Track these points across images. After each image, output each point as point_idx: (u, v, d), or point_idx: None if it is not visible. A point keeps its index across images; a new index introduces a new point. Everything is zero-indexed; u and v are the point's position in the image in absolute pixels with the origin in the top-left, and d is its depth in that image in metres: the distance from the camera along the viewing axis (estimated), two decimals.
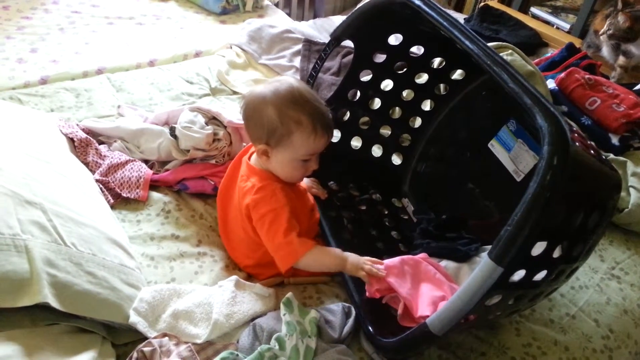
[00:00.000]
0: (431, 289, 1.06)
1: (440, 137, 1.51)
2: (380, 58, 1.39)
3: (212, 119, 1.46)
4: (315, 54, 2.00)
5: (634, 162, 1.56)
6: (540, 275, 0.87)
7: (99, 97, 1.68)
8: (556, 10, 2.70)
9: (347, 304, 1.11)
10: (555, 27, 2.59)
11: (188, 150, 1.40)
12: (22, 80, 1.76)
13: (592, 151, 0.88)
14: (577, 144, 0.81)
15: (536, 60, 2.03)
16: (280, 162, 1.11)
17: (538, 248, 0.81)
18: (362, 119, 1.48)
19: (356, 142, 1.50)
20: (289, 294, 1.06)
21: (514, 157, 1.30)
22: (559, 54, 2.01)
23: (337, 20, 2.39)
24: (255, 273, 1.21)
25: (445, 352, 1.08)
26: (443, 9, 1.13)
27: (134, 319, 1.00)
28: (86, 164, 1.37)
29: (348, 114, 1.46)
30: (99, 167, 1.37)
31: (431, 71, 1.45)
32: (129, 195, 1.32)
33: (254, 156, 1.16)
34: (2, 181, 1.01)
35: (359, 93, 1.44)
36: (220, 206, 1.25)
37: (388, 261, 1.09)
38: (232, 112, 1.48)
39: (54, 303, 0.91)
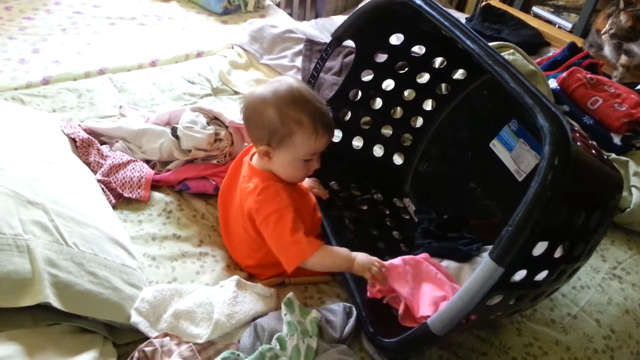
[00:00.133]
0: (432, 289, 1.06)
1: (441, 137, 1.51)
2: (382, 58, 1.39)
3: (214, 119, 1.47)
4: (317, 53, 2.00)
5: (636, 161, 1.56)
6: (542, 276, 0.87)
7: (100, 97, 1.69)
8: (558, 10, 2.69)
9: (348, 304, 1.11)
10: (557, 26, 2.59)
11: (190, 151, 1.40)
12: (24, 80, 1.76)
13: (593, 151, 0.88)
14: (578, 143, 0.81)
15: (538, 60, 2.02)
16: (282, 162, 1.11)
17: (539, 248, 0.81)
18: (364, 119, 1.48)
19: (357, 142, 1.50)
20: (290, 294, 1.06)
21: (516, 156, 1.30)
22: (561, 53, 2.01)
23: (339, 20, 2.39)
24: (256, 273, 1.21)
25: (446, 352, 1.08)
26: (444, 8, 1.12)
27: (136, 318, 1.00)
28: (88, 164, 1.38)
29: (349, 113, 1.46)
30: (101, 167, 1.38)
31: (432, 71, 1.45)
32: (130, 195, 1.33)
33: (256, 157, 1.16)
34: (4, 181, 1.01)
35: (360, 93, 1.44)
36: (221, 206, 1.25)
37: (390, 262, 1.09)
38: (233, 112, 1.48)
39: (55, 303, 0.91)
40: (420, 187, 1.52)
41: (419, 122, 1.52)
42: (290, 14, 2.86)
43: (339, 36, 1.33)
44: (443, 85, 1.49)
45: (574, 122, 1.25)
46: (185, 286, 1.12)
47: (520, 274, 0.84)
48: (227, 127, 1.45)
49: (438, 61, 1.48)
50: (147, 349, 0.96)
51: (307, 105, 1.07)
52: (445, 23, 1.06)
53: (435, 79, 1.46)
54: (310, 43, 2.07)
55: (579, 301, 1.23)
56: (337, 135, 1.45)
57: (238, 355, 0.98)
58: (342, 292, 1.19)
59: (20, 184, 1.04)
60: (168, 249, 1.23)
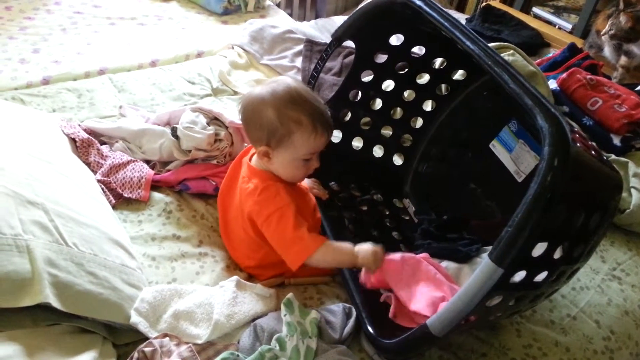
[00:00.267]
0: (431, 290, 1.06)
1: (441, 138, 1.51)
2: (382, 58, 1.39)
3: (214, 119, 1.47)
4: (317, 54, 2.00)
5: (636, 162, 1.56)
6: (541, 276, 0.87)
7: (100, 97, 1.69)
8: (558, 11, 2.69)
9: (347, 305, 1.11)
10: (557, 27, 2.59)
11: (189, 151, 1.40)
12: (25, 80, 1.76)
13: (593, 152, 0.88)
14: (578, 144, 0.81)
15: (538, 61, 2.02)
16: (281, 162, 1.11)
17: (539, 249, 0.81)
18: (364, 120, 1.48)
19: (357, 143, 1.50)
20: (290, 295, 1.06)
21: (515, 157, 1.30)
22: (561, 54, 2.01)
23: (339, 20, 2.39)
24: (256, 274, 1.21)
25: (446, 353, 1.08)
26: (444, 9, 1.13)
27: (135, 319, 1.00)
28: (88, 164, 1.38)
29: (349, 114, 1.46)
30: (101, 167, 1.38)
31: (432, 71, 1.45)
32: (130, 195, 1.33)
33: (255, 157, 1.17)
34: (3, 181, 1.01)
35: (360, 93, 1.44)
36: (221, 207, 1.25)
37: (389, 256, 1.10)
38: (233, 113, 1.48)
39: (55, 303, 0.91)
40: (420, 187, 1.52)
41: (419, 122, 1.52)
42: (291, 15, 2.86)
43: (339, 37, 1.33)
44: (443, 86, 1.49)
45: (573, 123, 1.25)
46: (184, 286, 1.12)
47: (520, 275, 0.84)
48: (227, 128, 1.45)
49: (438, 62, 1.48)
50: (147, 349, 0.96)
51: (305, 105, 1.07)
52: (445, 24, 1.06)
53: (435, 79, 1.46)
54: (310, 43, 2.07)
55: (579, 302, 1.23)
56: (337, 136, 1.45)
57: (237, 355, 0.98)
58: (342, 293, 1.19)
59: (20, 184, 1.04)
60: (168, 249, 1.23)
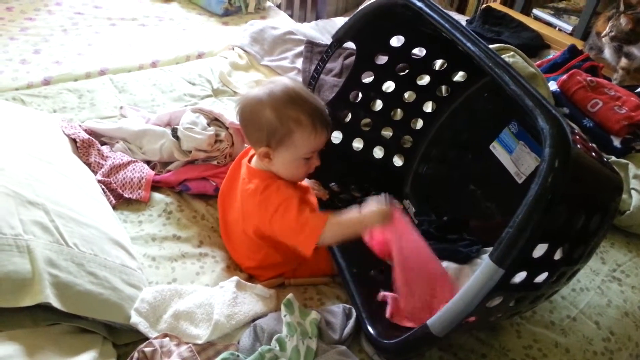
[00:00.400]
0: (431, 293, 1.06)
1: (441, 139, 1.51)
2: (382, 59, 1.39)
3: (214, 120, 1.47)
4: (317, 55, 2.00)
5: (636, 164, 1.56)
6: (542, 278, 0.87)
7: (101, 98, 1.69)
8: (558, 12, 2.70)
9: (347, 305, 1.11)
10: (557, 29, 2.59)
11: (190, 151, 1.40)
12: (25, 81, 1.76)
13: (593, 153, 0.88)
14: (578, 146, 0.82)
15: (538, 62, 2.02)
16: (282, 162, 1.11)
17: (539, 250, 0.81)
18: (364, 121, 1.48)
19: (357, 144, 1.50)
20: (290, 295, 1.06)
21: (516, 159, 1.30)
22: (561, 55, 2.01)
23: (339, 21, 2.39)
24: (256, 274, 1.21)
25: (446, 354, 1.08)
26: (444, 10, 1.13)
27: (135, 319, 1.00)
28: (88, 165, 1.38)
29: (349, 115, 1.46)
30: (101, 167, 1.38)
31: (433, 73, 1.45)
32: (130, 196, 1.33)
33: (254, 158, 1.17)
34: (4, 181, 1.02)
35: (360, 94, 1.44)
36: (221, 207, 1.25)
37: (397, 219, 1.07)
38: (234, 114, 1.48)
39: (55, 303, 0.91)
40: (420, 189, 1.52)
41: (419, 124, 1.52)
42: (291, 16, 2.87)
43: (339, 38, 1.33)
44: (443, 88, 1.49)
45: (573, 125, 1.25)
46: (185, 287, 1.12)
47: (520, 276, 0.84)
48: (227, 128, 1.45)
49: (438, 63, 1.48)
50: (147, 349, 0.96)
51: (304, 104, 1.07)
52: (446, 25, 1.06)
53: (435, 81, 1.46)
54: (310, 45, 2.07)
55: (579, 303, 1.23)
56: (338, 137, 1.45)
57: (238, 356, 0.98)
58: (342, 294, 1.19)
59: (21, 184, 1.04)
60: (168, 250, 1.23)
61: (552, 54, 2.13)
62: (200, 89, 1.82)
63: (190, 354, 0.97)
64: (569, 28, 2.56)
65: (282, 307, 1.04)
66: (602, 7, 2.39)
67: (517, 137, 1.31)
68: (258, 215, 1.10)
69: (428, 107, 1.51)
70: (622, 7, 1.95)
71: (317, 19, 2.99)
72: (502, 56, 1.19)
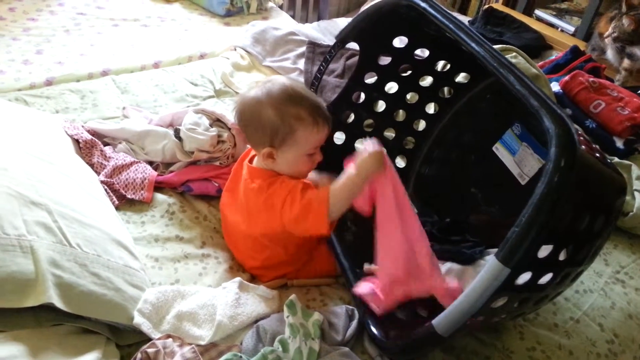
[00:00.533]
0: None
1: (444, 140, 1.51)
2: (385, 60, 1.39)
3: (217, 120, 1.47)
4: (319, 56, 2.00)
5: (639, 165, 1.56)
6: (546, 279, 0.87)
7: (104, 98, 1.69)
8: (561, 13, 2.69)
9: (350, 307, 1.11)
10: (559, 29, 2.59)
11: (192, 152, 1.40)
12: (28, 81, 1.76)
13: (597, 154, 0.88)
14: (582, 147, 0.81)
15: (540, 63, 2.03)
16: (286, 160, 1.10)
17: (544, 251, 0.81)
18: (367, 122, 1.48)
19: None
20: (293, 296, 1.06)
21: (519, 160, 1.30)
22: (564, 56, 2.01)
23: (341, 22, 2.39)
24: (259, 274, 1.20)
25: (449, 356, 1.08)
26: (448, 11, 1.13)
27: (138, 320, 1.00)
28: (91, 165, 1.38)
29: (352, 116, 1.45)
30: (104, 168, 1.38)
31: (436, 74, 1.45)
32: (133, 196, 1.33)
33: (255, 158, 1.16)
34: (7, 182, 1.02)
35: (363, 95, 1.44)
36: (223, 208, 1.25)
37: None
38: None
39: (58, 304, 0.91)
40: (422, 190, 1.52)
41: (422, 125, 1.52)
42: (293, 16, 2.87)
43: (342, 38, 1.33)
44: (446, 89, 1.49)
45: (576, 126, 1.25)
46: (187, 288, 1.12)
47: (525, 277, 0.84)
48: (229, 129, 1.45)
49: (441, 64, 1.48)
50: (150, 350, 0.95)
51: (303, 101, 1.07)
52: (450, 26, 1.06)
53: (438, 82, 1.46)
54: (312, 45, 2.07)
55: (582, 305, 1.23)
56: (340, 138, 1.45)
57: (240, 357, 0.98)
58: (345, 295, 1.19)
59: (24, 184, 1.04)
60: (171, 251, 1.23)
61: (555, 55, 2.13)
62: (203, 89, 1.82)
63: (193, 355, 0.97)
64: (572, 29, 2.56)
65: (285, 308, 1.03)
66: (604, 8, 2.39)
67: (520, 138, 1.30)
68: (266, 214, 1.09)
69: (431, 109, 1.51)
70: (624, 8, 1.95)
71: (319, 19, 2.99)
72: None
